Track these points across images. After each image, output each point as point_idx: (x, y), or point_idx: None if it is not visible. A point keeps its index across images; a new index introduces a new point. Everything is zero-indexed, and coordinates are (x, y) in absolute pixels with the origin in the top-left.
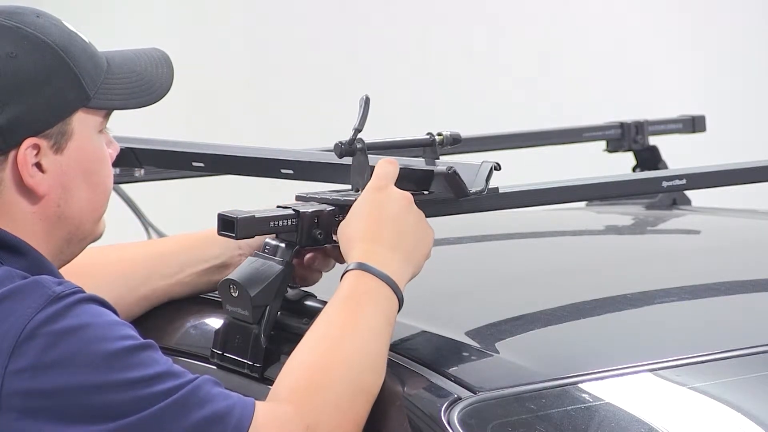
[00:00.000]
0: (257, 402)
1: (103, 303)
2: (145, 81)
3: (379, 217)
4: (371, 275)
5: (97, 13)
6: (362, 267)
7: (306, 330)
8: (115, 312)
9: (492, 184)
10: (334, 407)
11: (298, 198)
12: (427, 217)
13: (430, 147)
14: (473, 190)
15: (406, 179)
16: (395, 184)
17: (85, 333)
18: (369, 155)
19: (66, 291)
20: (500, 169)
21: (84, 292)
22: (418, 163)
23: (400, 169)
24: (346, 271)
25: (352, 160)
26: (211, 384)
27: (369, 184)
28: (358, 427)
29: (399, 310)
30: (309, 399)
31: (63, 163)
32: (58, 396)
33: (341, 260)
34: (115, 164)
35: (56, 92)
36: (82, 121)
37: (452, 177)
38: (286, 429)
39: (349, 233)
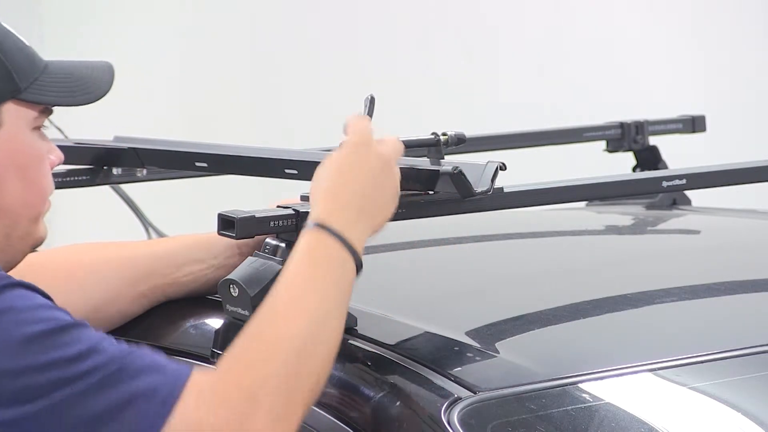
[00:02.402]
0: (195, 373)
1: (32, 288)
2: (83, 82)
3: (347, 176)
4: (328, 235)
5: (98, 14)
6: (320, 227)
7: None
8: (48, 298)
9: (495, 184)
10: (279, 379)
11: (303, 198)
12: (429, 216)
13: (434, 147)
14: (479, 190)
15: (412, 179)
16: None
17: (4, 317)
18: None
19: None
20: (506, 169)
21: (13, 279)
22: (423, 162)
23: (406, 169)
24: (305, 230)
25: None
26: (143, 357)
27: (348, 139)
28: (306, 401)
29: (358, 275)
30: (251, 370)
31: None
32: None
33: None
34: (116, 164)
35: None
36: (12, 113)
37: (458, 177)
38: (223, 401)
39: (315, 188)
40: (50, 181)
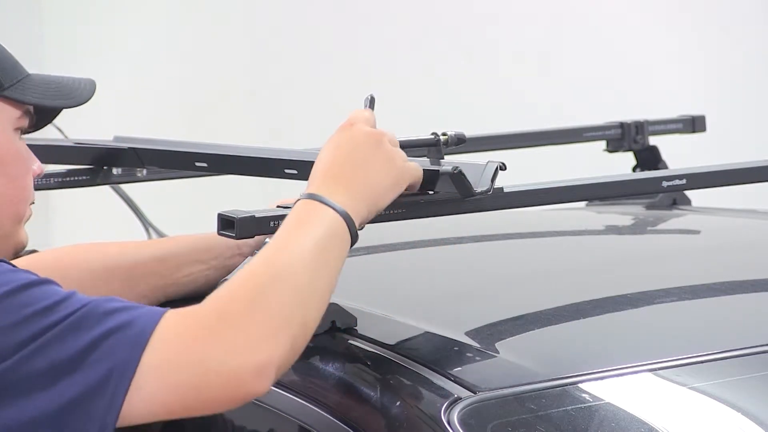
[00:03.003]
0: (172, 310)
1: None
2: (65, 88)
3: (340, 156)
4: (321, 204)
5: (98, 14)
6: (312, 197)
7: None
8: (12, 266)
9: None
10: (259, 325)
11: None
12: (429, 216)
13: (434, 147)
14: (479, 190)
15: None
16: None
17: None
18: None
19: None
20: (505, 169)
21: None
22: (423, 162)
23: None
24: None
25: None
26: (116, 300)
27: (340, 126)
28: (288, 353)
29: (352, 246)
30: (233, 314)
31: None
32: None
33: None
34: (116, 164)
35: None
36: None
37: (458, 177)
38: (198, 328)
39: (312, 174)
40: (32, 187)
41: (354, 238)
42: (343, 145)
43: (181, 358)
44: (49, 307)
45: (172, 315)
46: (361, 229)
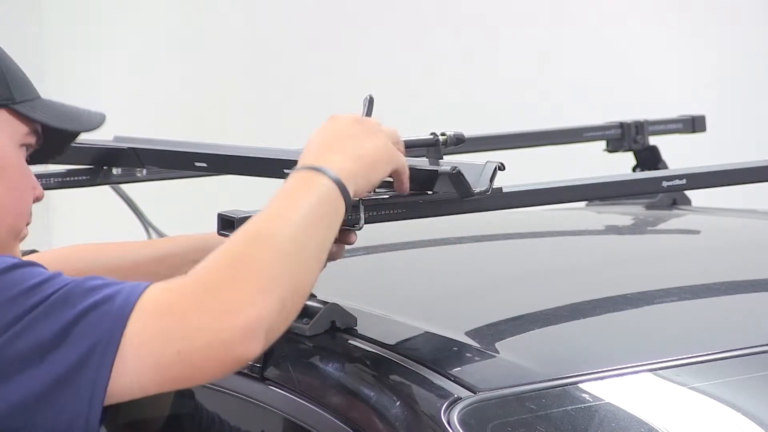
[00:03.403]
0: (155, 283)
1: None
2: (76, 113)
3: (328, 134)
4: (312, 171)
5: (98, 14)
6: (303, 168)
7: (305, 329)
8: None
9: (494, 184)
10: (240, 287)
11: None
12: (429, 216)
13: (433, 147)
14: (477, 190)
15: (411, 179)
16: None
17: None
18: None
19: None
20: (504, 169)
21: None
22: (422, 162)
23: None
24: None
25: None
26: (99, 278)
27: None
28: (277, 314)
29: (345, 214)
30: (214, 280)
31: None
32: None
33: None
34: (116, 164)
35: None
36: (3, 121)
37: (457, 177)
38: (180, 296)
39: (302, 154)
40: (30, 206)
41: (347, 206)
42: (328, 127)
43: (164, 326)
44: (34, 287)
45: (154, 287)
46: (357, 200)
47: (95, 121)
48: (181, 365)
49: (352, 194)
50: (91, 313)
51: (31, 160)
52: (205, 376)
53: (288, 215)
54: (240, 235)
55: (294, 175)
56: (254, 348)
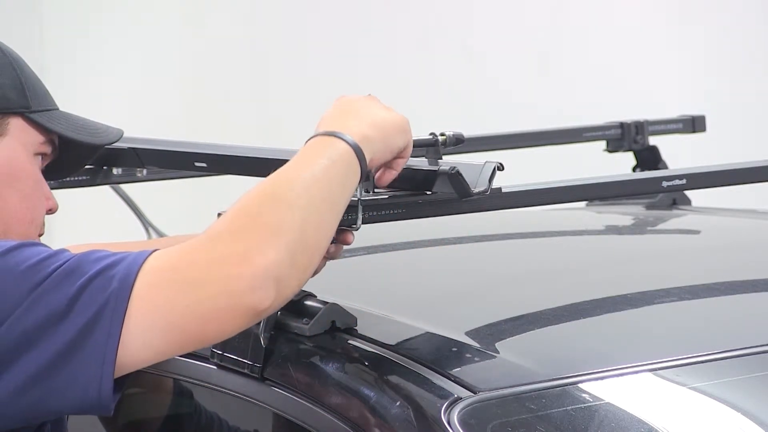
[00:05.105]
0: (162, 249)
1: None
2: (92, 127)
3: (340, 106)
4: (327, 136)
5: (98, 15)
6: (321, 133)
7: (306, 329)
8: None
9: (494, 184)
10: (246, 238)
11: None
12: (428, 216)
13: (433, 147)
14: (476, 190)
15: (409, 179)
16: (397, 185)
17: None
18: None
19: None
20: (503, 169)
21: None
22: (421, 163)
23: (404, 169)
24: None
25: None
26: (104, 251)
27: None
28: (287, 265)
29: (360, 181)
30: (220, 235)
31: None
32: None
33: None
34: (116, 164)
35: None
36: (18, 127)
37: (455, 177)
38: (186, 252)
39: (316, 130)
40: (43, 216)
41: (363, 170)
42: (342, 100)
43: (170, 281)
44: (40, 261)
45: (160, 251)
46: (379, 167)
47: (112, 136)
48: (191, 319)
49: (369, 159)
50: (96, 279)
51: (49, 175)
52: (219, 330)
53: (299, 173)
54: (250, 193)
55: (309, 141)
56: (265, 298)
